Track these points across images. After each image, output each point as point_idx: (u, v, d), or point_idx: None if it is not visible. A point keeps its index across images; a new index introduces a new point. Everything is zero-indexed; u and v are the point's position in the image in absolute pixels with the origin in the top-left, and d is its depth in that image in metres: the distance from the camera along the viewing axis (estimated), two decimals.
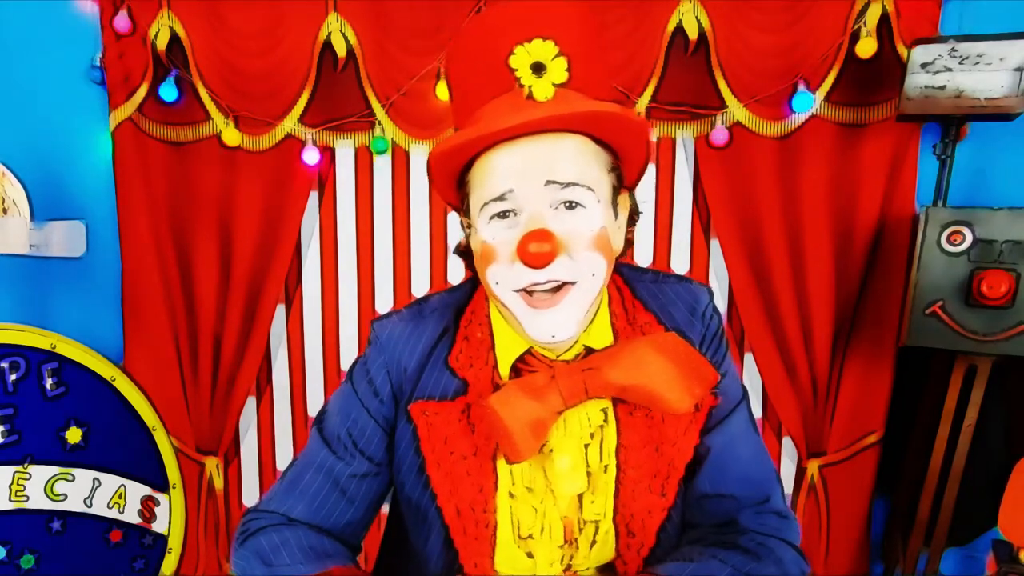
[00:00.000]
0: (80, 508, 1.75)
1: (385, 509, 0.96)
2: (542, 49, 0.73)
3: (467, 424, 0.81)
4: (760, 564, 0.76)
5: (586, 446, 0.82)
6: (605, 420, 0.82)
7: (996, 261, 1.47)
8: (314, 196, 2.04)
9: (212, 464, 2.18)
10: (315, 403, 2.17)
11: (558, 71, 0.73)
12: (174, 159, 2.04)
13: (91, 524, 1.77)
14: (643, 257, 1.95)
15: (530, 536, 0.82)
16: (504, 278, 0.75)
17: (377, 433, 0.87)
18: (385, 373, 0.86)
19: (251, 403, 2.18)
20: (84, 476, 1.74)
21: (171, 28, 1.95)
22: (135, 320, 2.13)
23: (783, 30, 1.73)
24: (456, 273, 2.01)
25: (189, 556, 2.13)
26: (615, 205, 0.80)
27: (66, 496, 1.72)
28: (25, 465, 1.65)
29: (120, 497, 1.81)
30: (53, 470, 1.70)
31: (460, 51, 0.80)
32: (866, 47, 1.67)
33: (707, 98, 1.80)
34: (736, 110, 1.78)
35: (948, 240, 1.51)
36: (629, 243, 0.85)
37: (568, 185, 0.73)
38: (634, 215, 0.86)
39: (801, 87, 1.73)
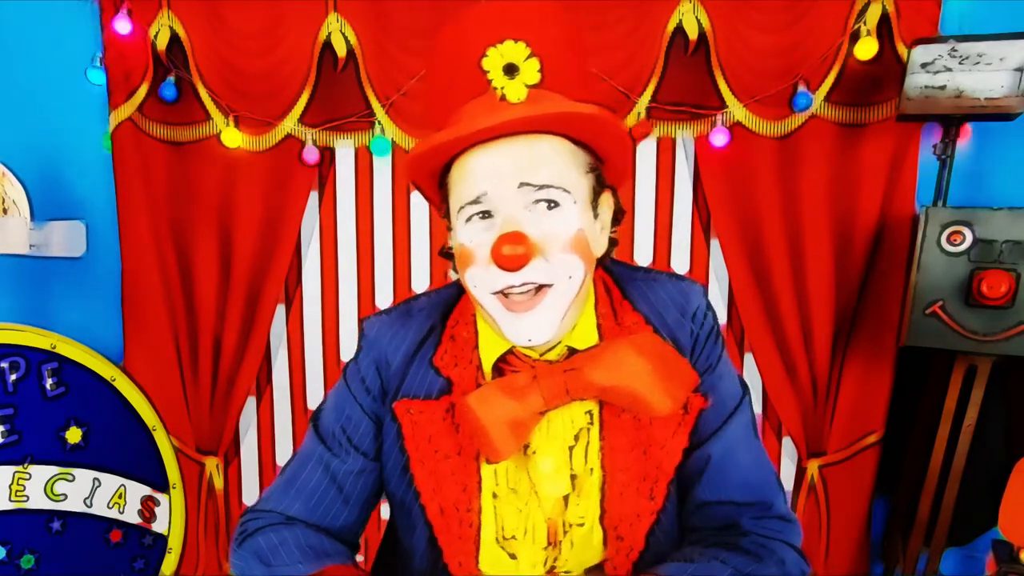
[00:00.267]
0: (80, 508, 1.75)
1: (386, 508, 0.96)
2: (514, 50, 0.73)
3: (451, 423, 0.82)
4: (762, 565, 0.76)
5: (570, 448, 0.81)
6: (590, 422, 0.81)
7: (996, 261, 1.47)
8: (314, 196, 2.04)
9: (212, 464, 2.18)
10: (315, 403, 2.17)
11: (530, 72, 0.73)
12: (174, 159, 2.04)
13: (91, 524, 1.77)
14: (643, 257, 1.95)
15: (513, 537, 0.82)
16: (481, 280, 0.75)
17: (371, 429, 0.88)
18: (375, 370, 0.87)
19: (251, 403, 2.18)
20: (84, 476, 1.74)
21: (171, 28, 1.95)
22: (135, 320, 2.13)
23: (783, 30, 1.73)
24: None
25: (189, 556, 2.13)
26: (595, 206, 0.79)
27: (66, 496, 1.72)
28: (25, 465, 1.65)
29: (120, 497, 1.81)
30: (53, 470, 1.70)
31: (436, 53, 0.80)
32: (866, 47, 1.67)
33: (707, 98, 1.80)
34: (736, 110, 1.78)
35: (948, 240, 1.51)
36: (614, 243, 0.84)
37: (542, 187, 0.73)
38: (618, 216, 0.84)
39: (801, 87, 1.73)
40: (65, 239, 2.16)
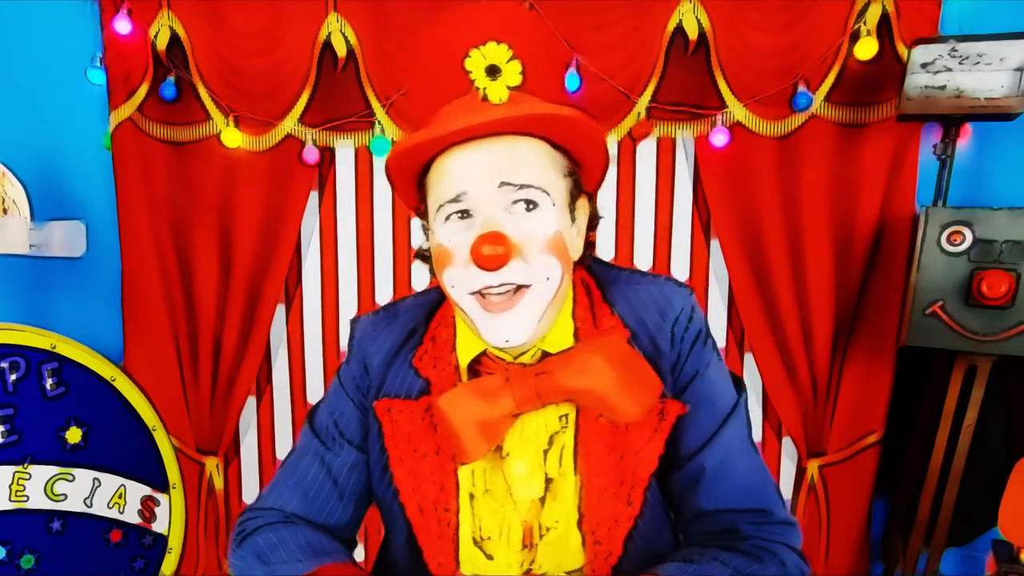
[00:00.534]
0: (80, 508, 1.74)
1: None
2: (496, 52, 0.74)
3: (430, 423, 0.82)
4: (762, 566, 0.76)
5: (545, 452, 0.82)
6: (564, 426, 0.81)
7: (996, 261, 1.47)
8: (314, 196, 2.04)
9: (212, 464, 2.18)
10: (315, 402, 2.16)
11: (512, 74, 0.74)
12: (174, 159, 2.04)
13: (91, 524, 1.76)
14: (643, 257, 1.95)
15: (489, 538, 0.83)
16: (459, 281, 0.76)
17: (362, 423, 0.89)
18: (363, 369, 0.89)
19: (251, 403, 2.18)
20: (84, 476, 1.74)
21: (171, 28, 1.95)
22: (135, 320, 2.13)
23: (783, 30, 1.73)
24: None
25: (189, 556, 2.13)
26: (572, 210, 0.80)
27: (66, 496, 1.72)
28: (25, 465, 1.65)
29: (120, 497, 1.81)
30: (53, 470, 1.70)
31: (419, 52, 0.80)
32: (866, 47, 1.67)
33: (707, 98, 1.80)
34: (736, 110, 1.78)
35: (948, 240, 1.51)
36: (592, 246, 0.85)
37: (522, 187, 0.73)
38: (594, 220, 0.85)
39: (801, 87, 1.73)
40: (65, 239, 2.16)
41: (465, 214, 0.75)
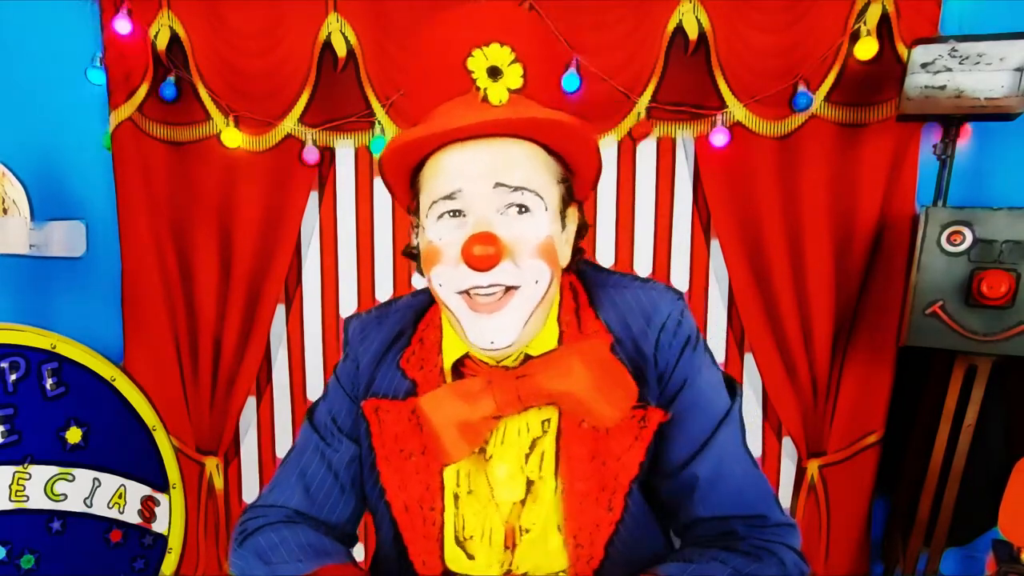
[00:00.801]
0: (80, 508, 1.74)
1: None
2: (499, 54, 0.74)
3: (416, 424, 0.82)
4: (762, 565, 0.76)
5: (527, 456, 0.82)
6: (545, 431, 0.81)
7: (996, 261, 1.47)
8: (314, 196, 2.04)
9: (212, 464, 2.18)
10: None
11: (514, 76, 0.74)
12: (174, 159, 2.04)
13: (91, 524, 1.76)
14: (643, 257, 1.95)
15: (471, 537, 0.83)
16: (448, 279, 0.75)
17: (359, 417, 0.89)
18: (355, 366, 0.90)
19: (251, 403, 2.18)
20: (84, 476, 1.74)
21: (171, 28, 1.95)
22: (135, 320, 2.13)
23: (783, 30, 1.73)
24: None
25: (189, 556, 2.13)
26: (563, 217, 0.80)
27: (66, 496, 1.72)
28: (25, 465, 1.65)
29: (120, 497, 1.81)
30: (53, 470, 1.70)
31: (420, 50, 0.80)
32: (866, 47, 1.67)
33: (707, 98, 1.80)
34: (736, 110, 1.78)
35: (948, 240, 1.51)
36: (581, 252, 0.85)
37: (517, 189, 0.73)
38: (582, 230, 0.85)
39: (801, 87, 1.73)
40: (65, 239, 2.16)
41: (458, 213, 0.75)
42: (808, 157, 1.77)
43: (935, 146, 1.66)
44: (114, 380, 1.80)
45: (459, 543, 0.84)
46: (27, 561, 1.67)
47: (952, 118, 1.60)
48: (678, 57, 1.79)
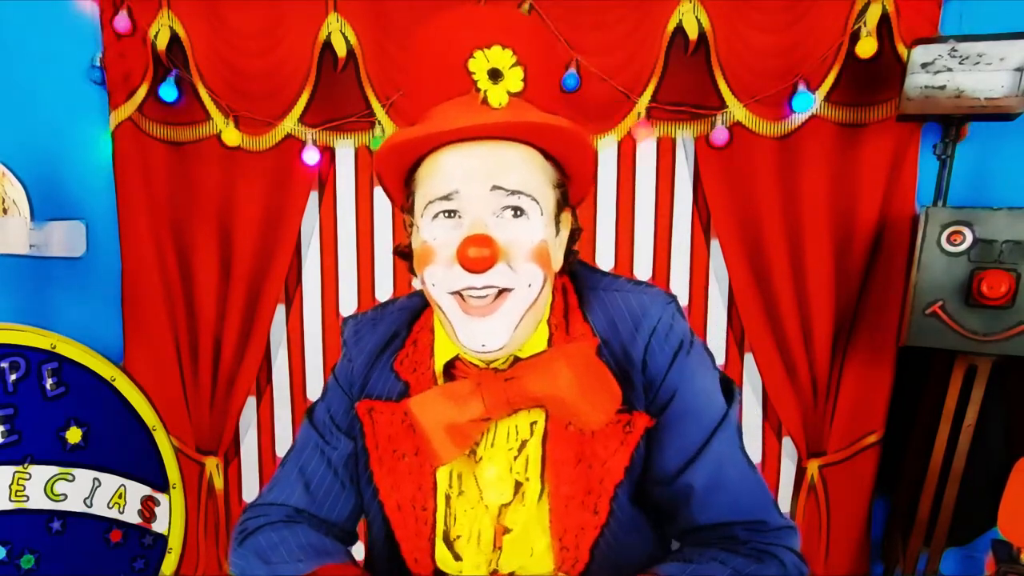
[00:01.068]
0: (80, 508, 1.74)
1: None
2: (501, 56, 0.74)
3: (409, 425, 0.82)
4: (761, 566, 0.76)
5: (515, 457, 0.82)
6: (531, 433, 0.81)
7: (996, 261, 1.47)
8: (314, 196, 2.04)
9: (212, 464, 2.18)
10: None
11: (514, 80, 0.74)
12: (174, 159, 2.04)
13: (91, 524, 1.76)
14: (643, 257, 1.95)
15: (459, 537, 0.84)
16: (441, 280, 0.75)
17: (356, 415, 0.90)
18: (351, 366, 0.91)
19: (251, 403, 2.18)
20: (84, 476, 1.74)
21: (171, 28, 1.95)
22: (135, 320, 2.13)
23: (783, 30, 1.73)
24: None
25: (189, 556, 2.13)
26: (558, 222, 0.80)
27: (66, 496, 1.72)
28: (25, 465, 1.65)
29: (120, 497, 1.81)
30: (53, 470, 1.69)
31: (421, 49, 0.80)
32: (866, 47, 1.67)
33: (707, 98, 1.80)
34: (736, 110, 1.78)
35: (948, 240, 1.51)
36: (575, 254, 0.85)
37: (514, 192, 0.73)
38: (575, 235, 0.85)
39: (801, 87, 1.73)
40: (65, 239, 2.16)
41: (453, 214, 0.74)
42: (808, 157, 1.77)
43: (935, 146, 1.66)
44: (114, 380, 1.80)
45: (448, 543, 0.84)
46: (27, 561, 1.67)
47: (952, 118, 1.60)
48: (678, 57, 1.79)
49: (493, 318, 0.74)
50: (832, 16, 1.71)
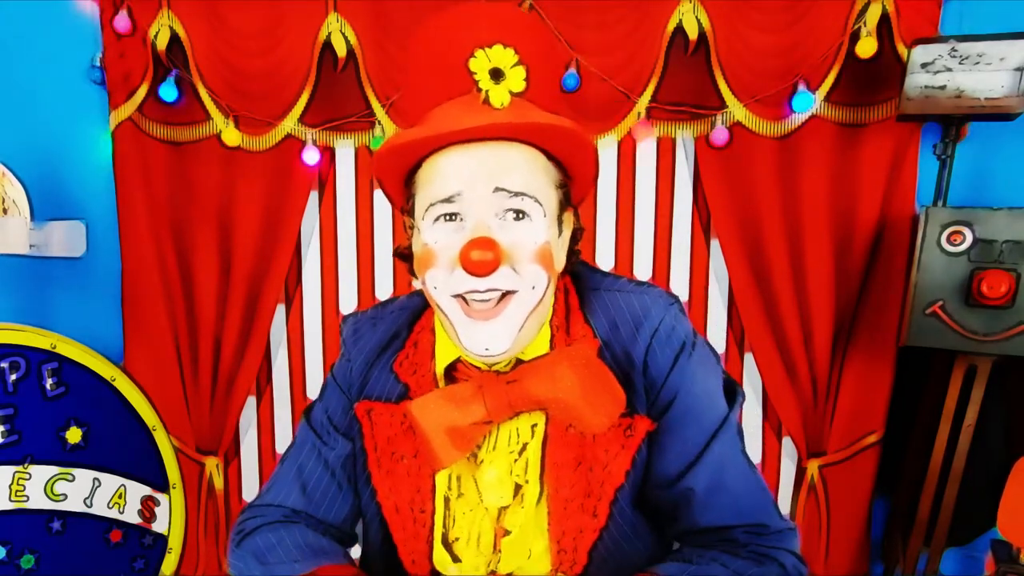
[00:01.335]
0: (80, 508, 1.74)
1: None
2: (502, 56, 0.73)
3: (408, 427, 0.82)
4: (762, 568, 0.75)
5: (515, 460, 0.82)
6: (532, 436, 0.81)
7: (996, 261, 1.47)
8: (314, 196, 2.04)
9: (212, 464, 2.18)
10: None
11: (516, 79, 0.73)
12: (174, 159, 2.04)
13: (91, 524, 1.76)
14: (643, 257, 1.95)
15: (457, 539, 0.83)
16: (443, 283, 0.74)
17: (354, 416, 0.89)
18: (349, 366, 0.91)
19: (251, 403, 2.18)
20: (84, 476, 1.74)
21: (171, 28, 1.95)
22: (135, 320, 2.13)
23: (783, 30, 1.73)
24: None
25: (189, 556, 2.13)
26: (560, 222, 0.79)
27: (66, 496, 1.72)
28: (25, 465, 1.65)
29: (120, 497, 1.81)
30: (53, 470, 1.70)
31: (420, 48, 0.78)
32: (866, 47, 1.67)
33: (707, 98, 1.79)
34: (736, 110, 1.78)
35: (948, 240, 1.51)
36: (577, 254, 0.84)
37: (516, 194, 0.72)
38: (577, 235, 0.84)
39: (801, 87, 1.73)
40: (65, 239, 2.16)
41: (455, 216, 0.73)
42: (808, 157, 1.77)
43: (935, 146, 1.66)
44: (114, 380, 1.80)
45: (446, 545, 0.84)
46: (27, 561, 1.67)
47: (952, 118, 1.60)
48: (678, 57, 1.79)
49: (497, 321, 0.73)
50: (832, 16, 1.70)
